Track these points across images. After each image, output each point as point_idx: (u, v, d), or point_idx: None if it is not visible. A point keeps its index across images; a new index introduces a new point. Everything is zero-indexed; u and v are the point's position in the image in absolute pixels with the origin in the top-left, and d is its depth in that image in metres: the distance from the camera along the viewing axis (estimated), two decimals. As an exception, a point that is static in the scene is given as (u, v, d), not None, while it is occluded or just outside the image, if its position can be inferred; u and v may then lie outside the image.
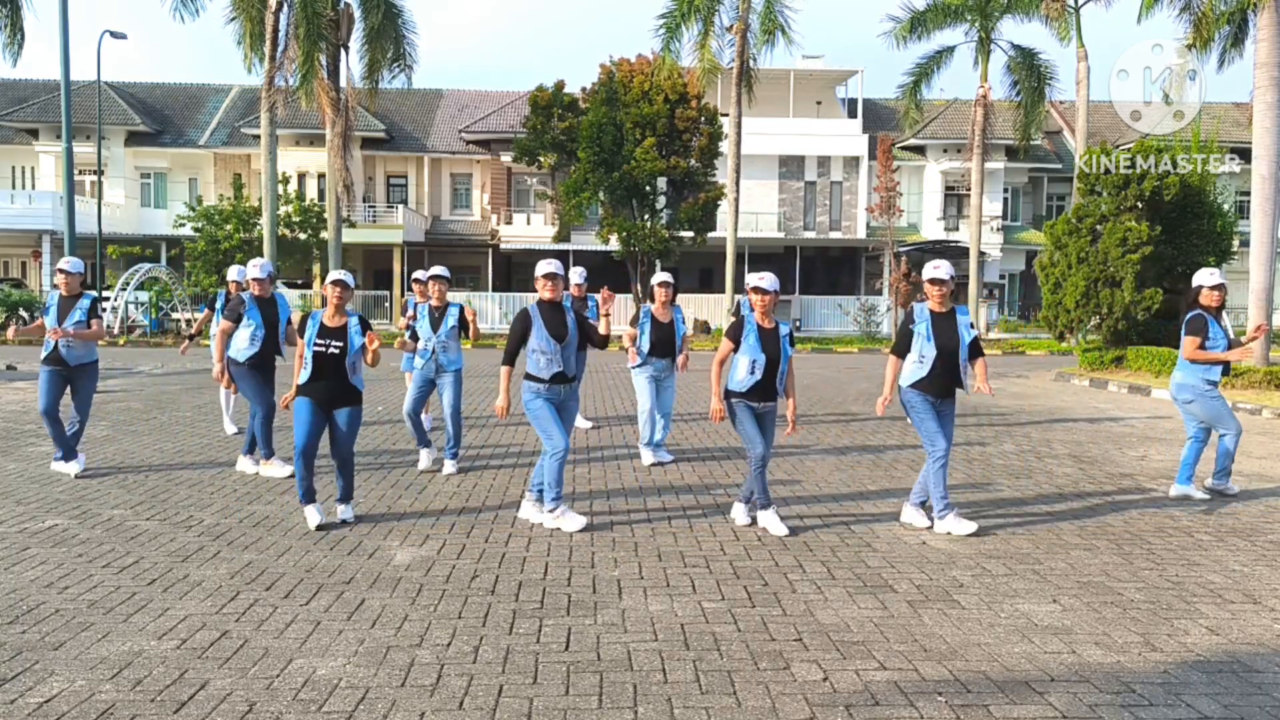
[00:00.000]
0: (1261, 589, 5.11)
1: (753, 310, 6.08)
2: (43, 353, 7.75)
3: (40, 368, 7.80)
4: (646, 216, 29.20)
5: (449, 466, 8.04)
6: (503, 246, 36.30)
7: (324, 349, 6.13)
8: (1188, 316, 7.28)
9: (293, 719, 3.48)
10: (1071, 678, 3.90)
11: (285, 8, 26.15)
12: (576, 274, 10.06)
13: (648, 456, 8.52)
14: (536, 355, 6.09)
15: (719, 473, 8.11)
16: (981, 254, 32.06)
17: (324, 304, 6.26)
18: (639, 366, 8.49)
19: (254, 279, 7.74)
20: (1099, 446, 9.77)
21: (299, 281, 35.03)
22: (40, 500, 6.85)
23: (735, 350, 6.08)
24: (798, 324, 34.80)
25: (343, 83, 28.10)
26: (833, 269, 39.36)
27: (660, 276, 8.39)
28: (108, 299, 28.67)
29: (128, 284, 28.19)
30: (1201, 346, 7.15)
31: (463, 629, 4.39)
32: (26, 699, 3.61)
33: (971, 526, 6.09)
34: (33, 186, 37.69)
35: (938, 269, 6.15)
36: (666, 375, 8.55)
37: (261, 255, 28.61)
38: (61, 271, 7.70)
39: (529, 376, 6.16)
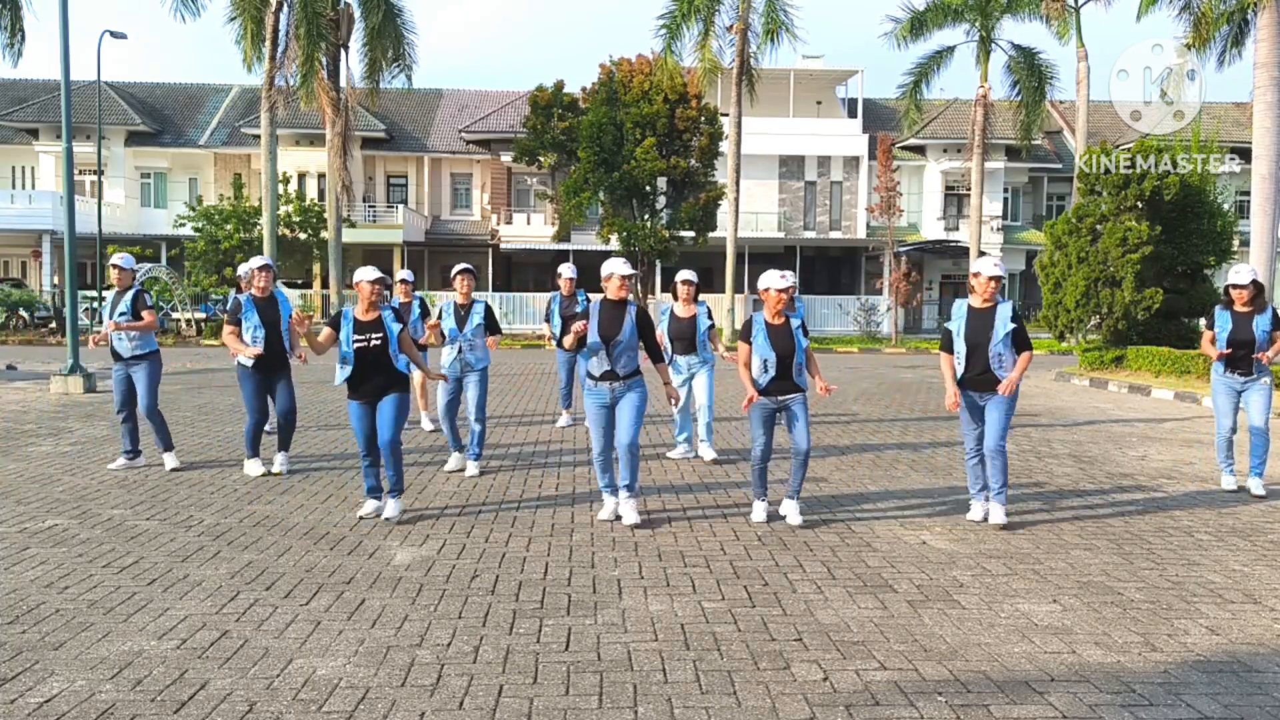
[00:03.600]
0: (1261, 589, 5.11)
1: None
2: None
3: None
4: (646, 216, 29.19)
5: (471, 468, 7.97)
6: (503, 246, 36.31)
7: (364, 344, 6.17)
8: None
9: (293, 719, 3.48)
10: (1071, 678, 3.90)
11: (285, 8, 26.15)
12: (567, 269, 10.15)
13: (686, 450, 8.76)
14: (590, 353, 6.17)
15: (719, 472, 8.11)
16: (981, 254, 32.05)
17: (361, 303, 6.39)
18: (673, 366, 8.45)
19: (253, 270, 7.78)
20: (1099, 446, 9.77)
21: (299, 281, 35.02)
22: (40, 500, 6.85)
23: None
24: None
25: (343, 83, 28.11)
26: (833, 269, 39.36)
27: (684, 274, 8.39)
28: (107, 299, 28.67)
29: (128, 284, 28.16)
30: (1214, 340, 7.63)
31: (463, 629, 4.39)
32: (26, 699, 3.61)
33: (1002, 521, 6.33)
34: (33, 186, 37.68)
35: (996, 267, 6.39)
36: (696, 370, 8.52)
37: (262, 255, 28.64)
38: (115, 267, 8.00)
39: (588, 373, 6.23)
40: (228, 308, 7.88)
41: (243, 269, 8.21)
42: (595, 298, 7.03)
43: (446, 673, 3.90)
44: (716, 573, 5.26)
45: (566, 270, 10.13)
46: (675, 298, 8.52)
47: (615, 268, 6.20)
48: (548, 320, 10.37)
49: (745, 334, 6.20)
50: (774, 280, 6.18)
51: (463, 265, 8.03)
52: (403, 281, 9.73)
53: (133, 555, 5.49)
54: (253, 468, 7.82)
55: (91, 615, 4.50)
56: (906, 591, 4.98)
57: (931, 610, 4.70)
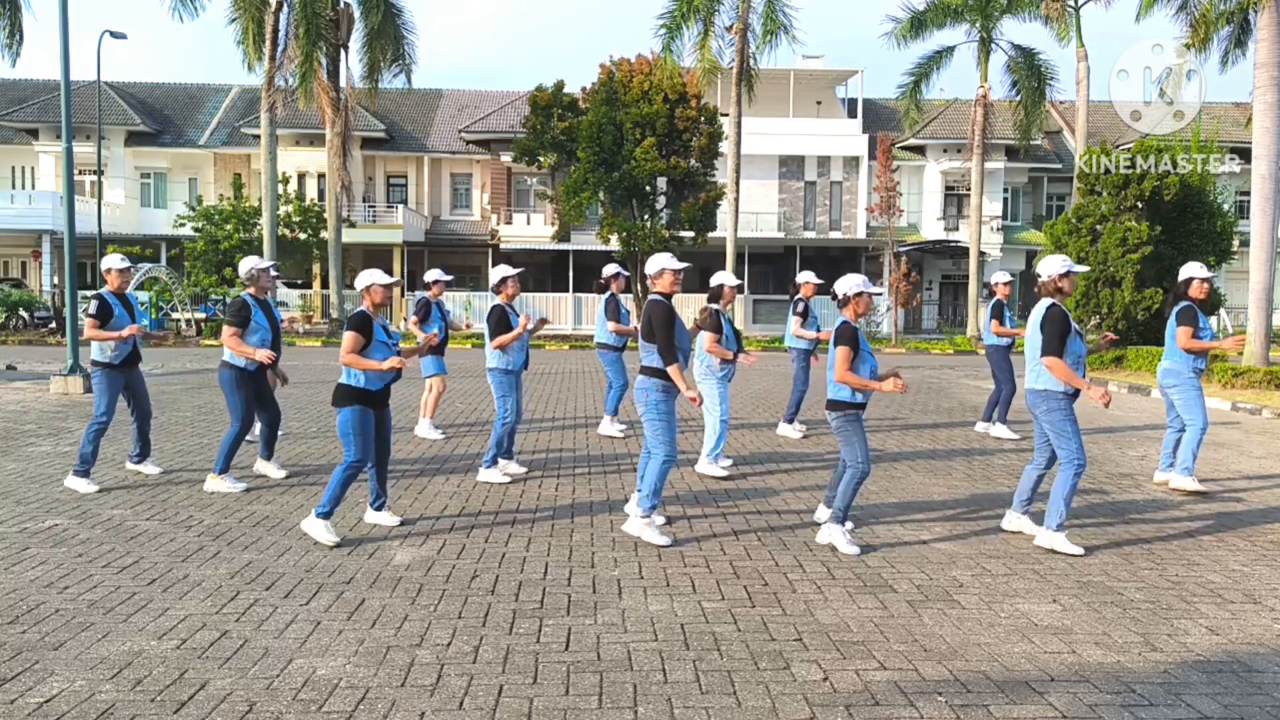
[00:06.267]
0: (1261, 589, 5.11)
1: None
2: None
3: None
4: (646, 216, 29.19)
5: (516, 468, 7.86)
6: (503, 246, 36.30)
7: (392, 347, 5.88)
8: (1179, 308, 7.52)
9: (293, 719, 3.48)
10: (1071, 678, 3.90)
11: (285, 8, 26.18)
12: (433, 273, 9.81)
13: (716, 468, 7.98)
14: (681, 354, 5.88)
15: (719, 473, 8.10)
16: (981, 254, 32.04)
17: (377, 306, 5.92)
18: (724, 375, 7.87)
19: (261, 271, 7.39)
20: (1099, 446, 9.77)
21: (299, 282, 35.00)
22: (40, 500, 6.85)
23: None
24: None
25: (342, 83, 28.12)
26: (833, 269, 39.10)
27: (733, 280, 7.72)
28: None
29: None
30: (1194, 336, 7.40)
31: (463, 629, 4.39)
32: (26, 699, 3.61)
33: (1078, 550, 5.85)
34: (33, 186, 37.69)
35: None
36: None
37: (261, 256, 28.63)
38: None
39: (663, 374, 5.84)
40: (229, 308, 7.26)
41: (246, 267, 7.42)
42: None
43: (446, 673, 3.90)
44: (716, 573, 5.26)
45: (621, 269, 10.01)
46: (720, 300, 7.70)
47: (668, 263, 6.00)
48: (619, 320, 9.73)
49: (851, 338, 5.68)
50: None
51: (516, 270, 7.67)
52: (437, 282, 9.67)
53: (133, 555, 5.48)
54: (223, 483, 7.20)
55: (91, 615, 4.50)
56: (906, 591, 4.98)
57: (931, 610, 4.70)
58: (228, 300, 29.60)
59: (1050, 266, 5.90)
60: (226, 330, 7.17)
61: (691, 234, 29.23)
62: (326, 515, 5.80)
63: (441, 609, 4.65)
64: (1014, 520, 6.19)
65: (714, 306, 7.66)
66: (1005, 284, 10.45)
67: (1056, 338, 5.69)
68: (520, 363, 7.61)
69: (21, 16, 24.84)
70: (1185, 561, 5.60)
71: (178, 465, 8.24)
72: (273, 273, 7.57)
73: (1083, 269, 6.22)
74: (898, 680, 3.87)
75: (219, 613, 4.56)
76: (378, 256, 36.58)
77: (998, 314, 10.19)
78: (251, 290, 7.37)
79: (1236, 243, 19.41)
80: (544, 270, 37.60)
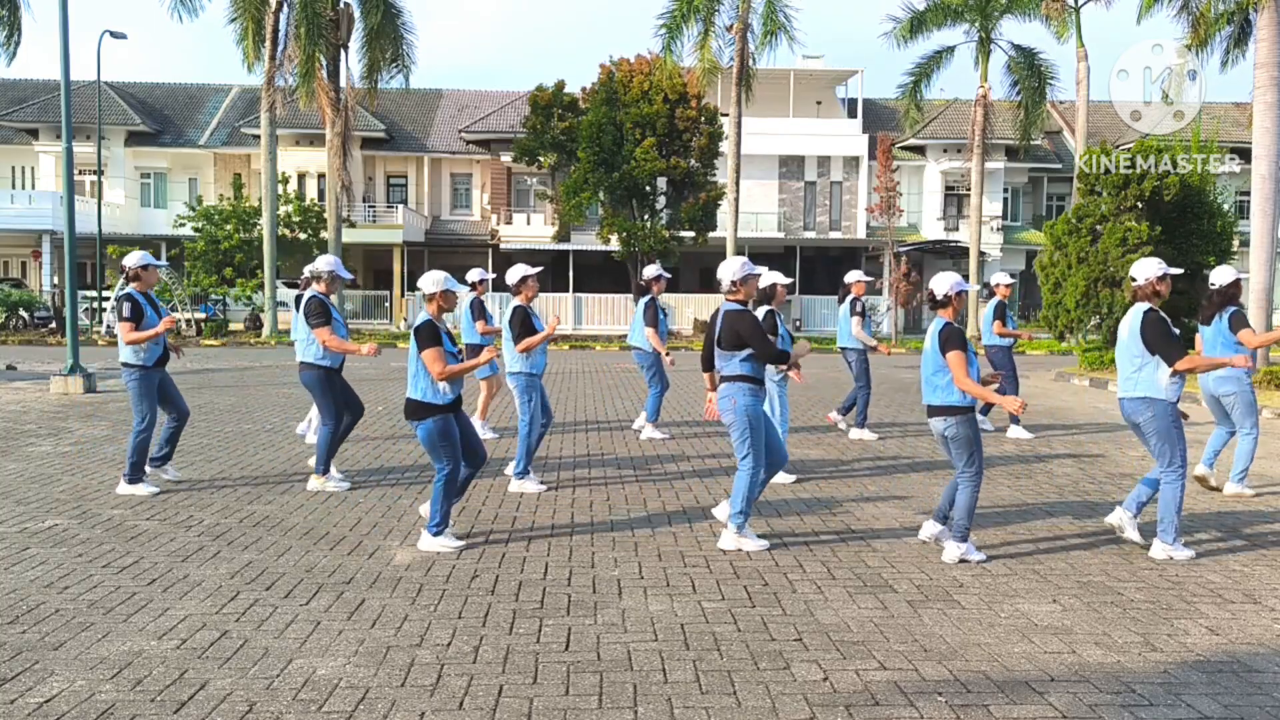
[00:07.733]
0: (1261, 589, 5.11)
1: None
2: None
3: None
4: (646, 216, 29.20)
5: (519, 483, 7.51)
6: (503, 246, 36.28)
7: (458, 356, 5.74)
8: (1232, 312, 7.22)
9: (293, 719, 3.48)
10: (1071, 678, 3.90)
11: (285, 8, 26.17)
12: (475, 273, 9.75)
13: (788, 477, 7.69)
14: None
15: (719, 474, 8.11)
16: (981, 254, 32.06)
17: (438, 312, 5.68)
18: (779, 379, 7.67)
19: (337, 276, 7.29)
20: (1099, 446, 9.77)
21: (299, 281, 35.01)
22: (40, 500, 6.85)
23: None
24: (798, 324, 34.81)
25: (342, 83, 28.10)
26: (833, 269, 39.24)
27: (784, 279, 7.41)
28: (108, 299, 28.68)
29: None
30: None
31: (463, 629, 4.39)
32: (26, 699, 3.61)
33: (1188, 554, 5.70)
34: (33, 186, 37.66)
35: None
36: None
37: (261, 255, 28.64)
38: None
39: (753, 380, 5.63)
40: (309, 308, 7.02)
41: (326, 264, 7.28)
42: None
43: (446, 673, 3.90)
44: (716, 573, 5.26)
45: (663, 271, 9.76)
46: (774, 300, 7.43)
47: (752, 268, 5.80)
48: (655, 325, 9.50)
49: (962, 341, 5.43)
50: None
51: (535, 269, 7.51)
52: (482, 280, 9.63)
53: (133, 555, 5.48)
54: (329, 484, 7.24)
55: (91, 615, 4.50)
56: (906, 591, 4.98)
57: (931, 610, 4.70)
58: (225, 301, 29.60)
59: (1147, 269, 5.70)
60: (322, 331, 6.95)
61: (691, 234, 29.24)
62: (440, 531, 5.69)
63: (441, 609, 4.65)
64: (1122, 516, 5.91)
65: (768, 307, 7.32)
66: (1006, 285, 10.41)
67: (1170, 342, 5.52)
68: (543, 365, 7.38)
69: (21, 16, 24.83)
70: (1185, 561, 5.60)
71: (177, 463, 8.23)
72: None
73: (1177, 271, 5.83)
74: (898, 680, 3.87)
75: (219, 613, 4.56)
76: (378, 257, 36.57)
77: (1000, 314, 10.16)
78: (320, 287, 7.27)
79: (1236, 243, 19.39)
80: (544, 270, 37.55)
